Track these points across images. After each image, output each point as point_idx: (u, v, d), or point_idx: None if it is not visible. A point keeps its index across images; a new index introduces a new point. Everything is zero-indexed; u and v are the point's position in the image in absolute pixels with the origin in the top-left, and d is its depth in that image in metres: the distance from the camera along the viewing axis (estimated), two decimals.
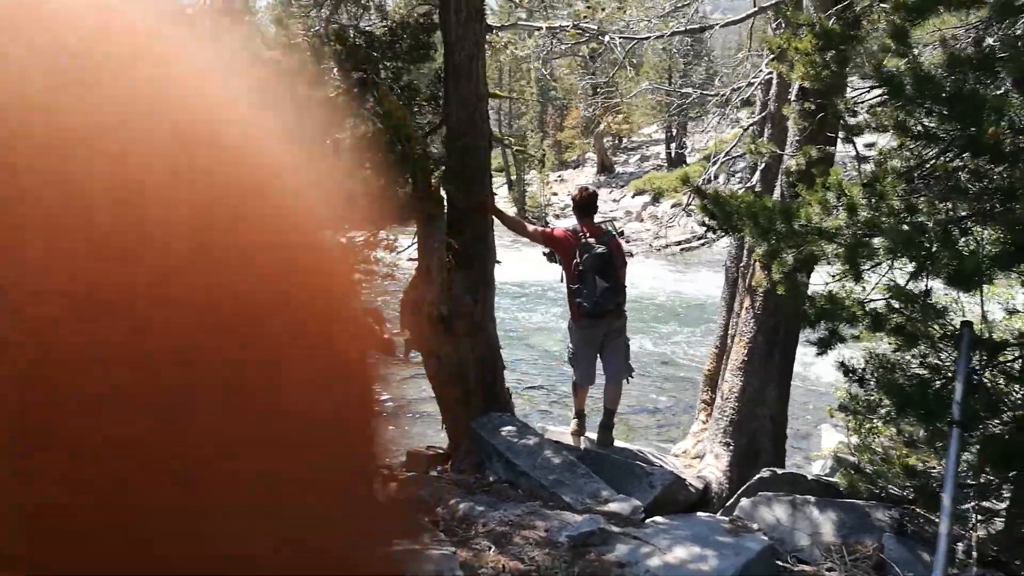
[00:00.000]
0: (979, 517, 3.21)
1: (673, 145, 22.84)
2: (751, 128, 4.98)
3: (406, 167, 3.97)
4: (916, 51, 3.48)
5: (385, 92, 4.15)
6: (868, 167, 3.87)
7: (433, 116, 4.82)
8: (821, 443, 6.90)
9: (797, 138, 4.33)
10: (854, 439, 4.41)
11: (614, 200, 22.87)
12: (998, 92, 2.86)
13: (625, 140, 30.68)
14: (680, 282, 15.12)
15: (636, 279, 15.09)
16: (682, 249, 16.52)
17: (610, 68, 24.62)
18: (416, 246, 4.35)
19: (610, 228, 4.53)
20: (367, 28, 5.08)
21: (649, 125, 28.77)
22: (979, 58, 2.76)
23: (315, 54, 4.41)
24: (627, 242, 17.23)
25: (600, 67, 23.11)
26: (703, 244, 14.99)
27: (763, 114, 4.94)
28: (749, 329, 4.69)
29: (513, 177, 24.93)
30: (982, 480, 3.09)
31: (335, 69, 4.42)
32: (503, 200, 26.47)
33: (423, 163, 4.08)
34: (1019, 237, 2.55)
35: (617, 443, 4.92)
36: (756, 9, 4.70)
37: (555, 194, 25.31)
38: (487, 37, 4.68)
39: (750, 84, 4.82)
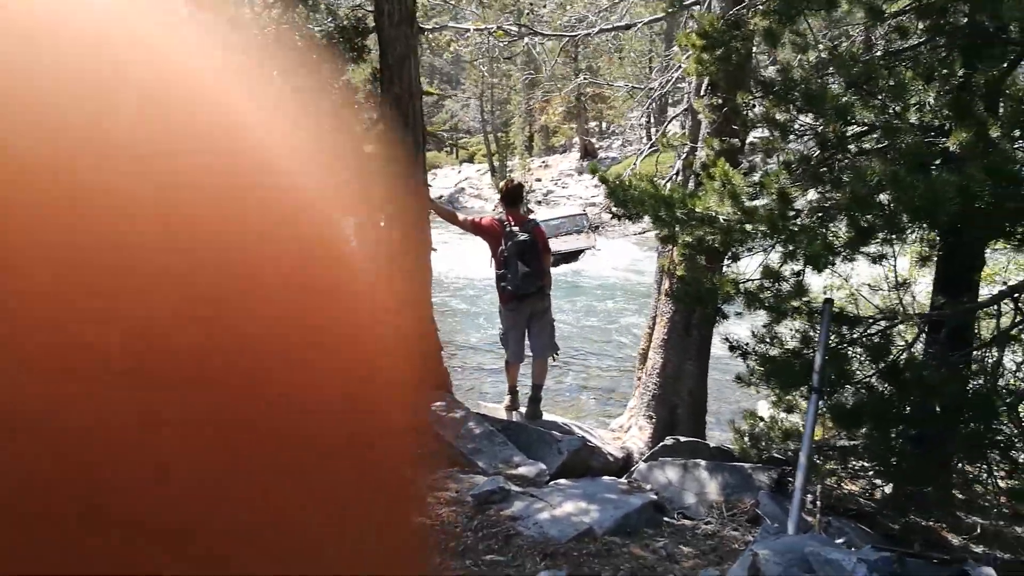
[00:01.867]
0: (842, 474, 3.56)
1: (652, 130, 23.08)
2: (675, 120, 5.30)
3: None
4: (819, 46, 3.79)
5: None
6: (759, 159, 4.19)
7: (370, 114, 5.12)
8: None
9: (707, 131, 4.64)
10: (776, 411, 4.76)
11: (595, 186, 23.06)
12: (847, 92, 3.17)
13: (612, 125, 30.86)
14: (649, 265, 15.42)
15: (608, 263, 15.44)
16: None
17: (593, 56, 24.84)
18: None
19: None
20: (311, 29, 5.37)
21: (631, 111, 28.94)
22: (824, 61, 3.07)
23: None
24: (593, 229, 17.36)
25: (583, 54, 23.41)
26: None
27: (685, 108, 5.25)
28: (668, 309, 5.02)
29: (496, 163, 25.15)
30: (842, 442, 3.43)
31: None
32: (486, 187, 26.66)
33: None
34: (852, 222, 2.87)
35: (547, 417, 5.27)
36: (676, 8, 5.01)
37: (538, 180, 25.40)
38: (426, 36, 4.97)
39: (669, 81, 5.15)
